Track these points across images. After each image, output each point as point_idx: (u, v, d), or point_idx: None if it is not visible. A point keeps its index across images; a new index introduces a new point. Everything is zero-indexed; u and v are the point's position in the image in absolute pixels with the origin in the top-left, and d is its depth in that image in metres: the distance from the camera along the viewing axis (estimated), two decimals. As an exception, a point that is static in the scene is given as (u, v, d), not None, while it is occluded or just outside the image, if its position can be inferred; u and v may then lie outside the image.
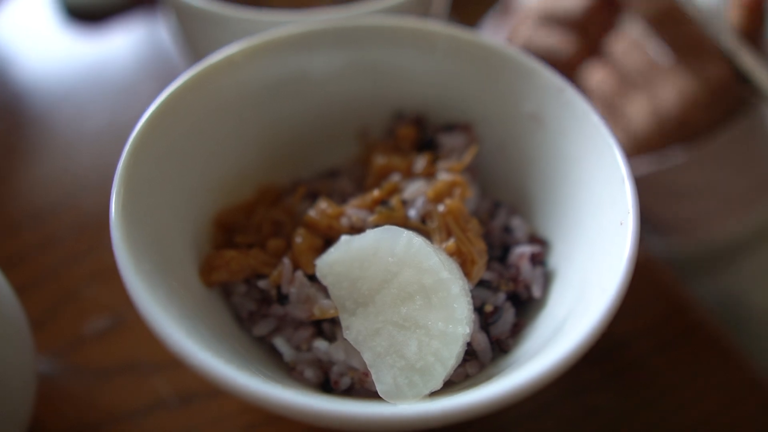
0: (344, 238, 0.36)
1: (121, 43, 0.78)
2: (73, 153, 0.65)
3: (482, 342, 0.37)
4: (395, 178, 0.42)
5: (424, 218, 0.39)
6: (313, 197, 0.44)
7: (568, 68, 0.61)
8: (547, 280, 0.40)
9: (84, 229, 0.57)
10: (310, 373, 0.37)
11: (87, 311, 0.51)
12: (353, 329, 0.35)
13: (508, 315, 0.38)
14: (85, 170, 0.64)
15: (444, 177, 0.41)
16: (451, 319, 0.34)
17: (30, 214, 0.59)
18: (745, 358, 0.50)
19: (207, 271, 0.39)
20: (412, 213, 0.39)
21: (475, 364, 0.37)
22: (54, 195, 0.61)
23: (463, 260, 0.37)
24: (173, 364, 0.48)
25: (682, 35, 0.56)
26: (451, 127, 0.46)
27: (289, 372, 0.38)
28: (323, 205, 0.40)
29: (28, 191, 0.61)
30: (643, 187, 0.45)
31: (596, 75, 0.61)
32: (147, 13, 0.81)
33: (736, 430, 0.46)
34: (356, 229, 0.39)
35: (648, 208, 0.56)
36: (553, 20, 0.62)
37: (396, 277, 0.35)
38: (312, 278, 0.38)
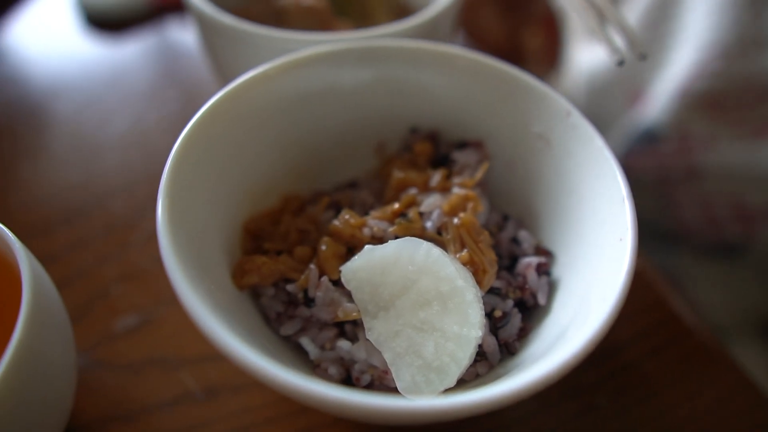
0: (368, 247, 0.40)
1: (143, 50, 0.82)
2: (99, 158, 0.68)
3: (491, 344, 0.41)
4: (412, 191, 0.45)
5: (439, 230, 0.43)
6: (335, 207, 0.47)
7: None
8: (551, 288, 0.44)
9: (113, 231, 0.60)
10: (333, 370, 0.41)
11: (116, 309, 0.55)
12: (375, 331, 0.39)
13: (516, 320, 0.42)
14: (110, 174, 0.67)
15: (458, 192, 0.44)
16: (466, 323, 0.37)
17: (61, 217, 0.62)
18: (733, 362, 0.54)
19: (239, 275, 0.43)
20: (429, 225, 0.43)
21: (484, 364, 0.41)
22: (83, 198, 0.64)
23: (476, 269, 0.40)
24: (198, 359, 0.51)
25: None
26: (464, 145, 0.49)
27: (313, 369, 0.42)
28: (347, 215, 0.44)
29: (58, 193, 0.64)
30: None
31: None
32: (168, 21, 0.85)
33: (722, 427, 0.50)
34: (377, 239, 0.42)
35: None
36: None
37: (415, 284, 0.38)
38: (336, 283, 0.42)
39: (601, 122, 0.76)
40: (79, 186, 0.65)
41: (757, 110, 0.61)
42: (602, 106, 0.76)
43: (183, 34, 0.83)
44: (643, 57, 0.54)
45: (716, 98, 0.62)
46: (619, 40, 0.55)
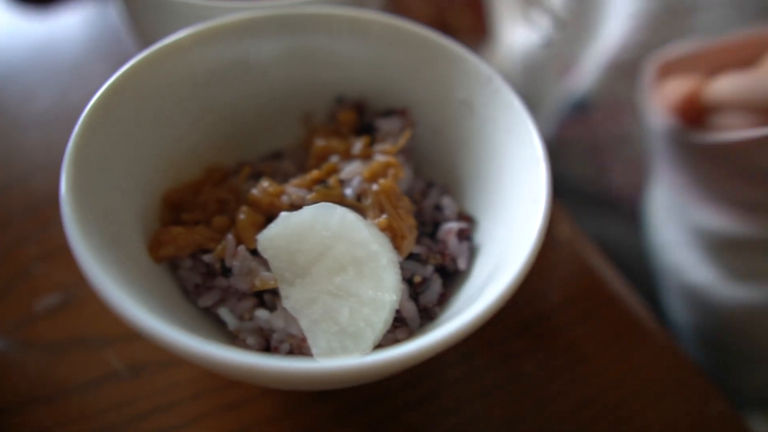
0: (283, 214, 0.39)
1: (70, 23, 0.78)
2: (21, 134, 0.66)
3: (411, 310, 0.41)
4: (334, 159, 0.45)
5: (359, 196, 0.42)
6: (257, 177, 0.46)
7: None
8: (472, 254, 0.44)
9: (34, 210, 0.58)
10: (252, 340, 0.40)
11: (38, 289, 0.53)
12: (291, 298, 0.38)
13: (436, 285, 0.42)
14: (34, 151, 0.64)
15: (379, 159, 0.44)
16: (380, 287, 0.37)
17: (-22, 195, 0.59)
18: (657, 327, 0.56)
19: (155, 247, 0.42)
20: (349, 192, 0.42)
21: (404, 330, 0.41)
22: (3, 176, 0.61)
23: (394, 235, 0.40)
24: (123, 337, 0.50)
25: None
26: (389, 113, 0.49)
27: (232, 340, 0.41)
28: (265, 183, 0.43)
29: (-24, 172, 0.62)
30: None
31: None
32: (97, -5, 0.81)
33: (646, 390, 0.51)
34: (296, 207, 0.42)
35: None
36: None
37: (330, 250, 0.38)
38: (254, 252, 0.41)
39: (536, 100, 0.77)
40: (0, 163, 0.62)
41: None
42: (537, 83, 0.77)
43: (111, 8, 0.80)
44: (563, 26, 0.54)
45: (635, 68, 0.63)
46: (543, 20, 0.56)
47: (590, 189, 0.75)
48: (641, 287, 0.60)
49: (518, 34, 0.80)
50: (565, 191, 0.74)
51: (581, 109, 0.71)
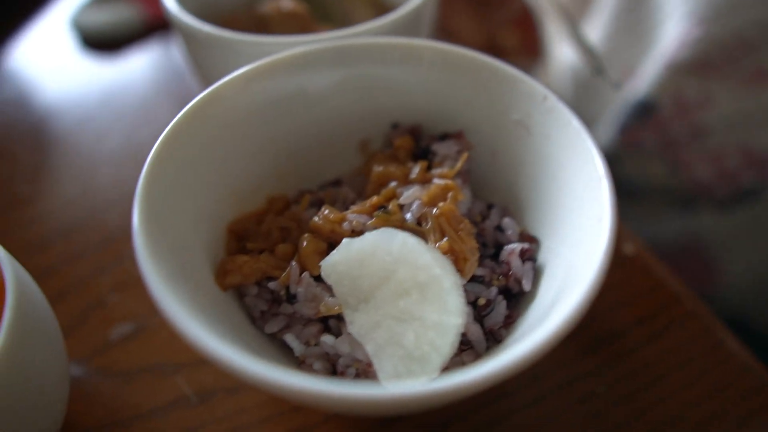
0: (345, 240, 0.40)
1: (137, 67, 0.83)
2: (94, 173, 0.70)
3: (476, 333, 0.40)
4: (393, 185, 0.45)
5: (419, 221, 0.43)
6: (317, 205, 0.47)
7: None
8: (536, 274, 0.43)
9: (108, 243, 0.61)
10: (318, 365, 0.41)
11: (112, 319, 0.55)
12: (356, 323, 0.39)
13: (500, 307, 0.41)
14: (106, 188, 0.68)
15: (438, 182, 0.44)
16: (444, 310, 0.37)
17: (58, 231, 0.63)
18: (734, 347, 0.53)
19: (222, 275, 0.43)
20: (409, 216, 0.43)
21: (470, 353, 0.40)
22: (79, 213, 0.65)
23: (456, 258, 0.40)
24: (193, 364, 0.51)
25: None
26: (444, 137, 0.49)
27: (299, 366, 0.42)
28: (326, 211, 0.44)
29: (56, 209, 0.66)
30: None
31: None
32: (161, 39, 0.86)
33: (723, 414, 0.48)
34: (357, 233, 0.42)
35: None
36: None
37: (393, 275, 0.38)
38: (318, 279, 0.42)
39: (591, 114, 0.77)
40: (75, 201, 0.66)
41: (743, 62, 0.65)
42: (589, 98, 0.77)
43: (175, 50, 0.84)
44: (598, 72, 0.58)
45: (702, 62, 0.65)
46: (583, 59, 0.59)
47: (667, 187, 0.74)
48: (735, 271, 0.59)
49: (567, 51, 0.80)
50: (636, 193, 0.74)
51: (644, 111, 0.71)
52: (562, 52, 0.82)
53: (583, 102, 0.78)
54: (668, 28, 0.68)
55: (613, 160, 0.38)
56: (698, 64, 0.65)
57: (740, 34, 0.64)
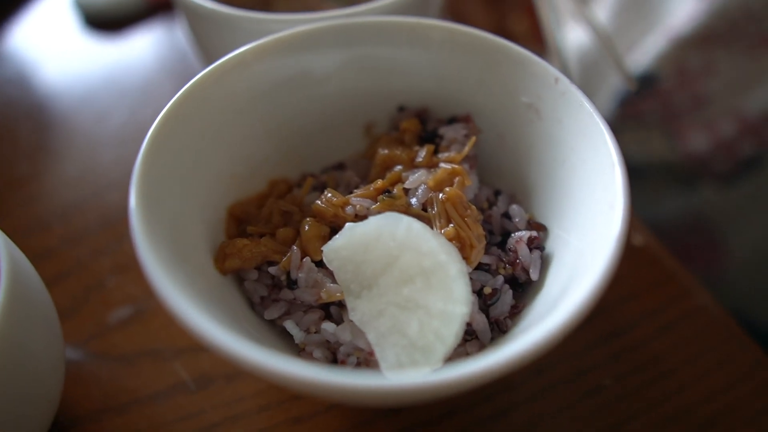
0: (348, 225, 0.39)
1: (139, 47, 0.82)
2: (95, 152, 0.68)
3: (481, 323, 0.39)
4: (398, 169, 0.44)
5: (425, 206, 0.41)
6: (320, 189, 0.46)
7: None
8: (544, 263, 0.42)
9: (108, 224, 0.60)
10: (318, 353, 0.40)
11: (110, 302, 0.54)
12: (358, 311, 0.38)
13: (507, 297, 0.40)
14: (107, 168, 0.67)
15: (444, 167, 0.43)
16: (450, 299, 0.35)
17: (57, 212, 0.62)
18: (745, 342, 0.51)
19: (221, 259, 0.42)
20: (414, 201, 0.41)
21: (475, 343, 0.39)
22: (79, 192, 0.64)
23: (462, 245, 0.39)
24: (191, 349, 0.50)
25: None
26: (452, 120, 0.48)
27: (298, 353, 0.41)
28: (329, 194, 0.42)
29: (55, 190, 0.65)
30: None
31: None
32: (164, 18, 0.84)
33: (732, 410, 0.47)
34: (361, 218, 0.41)
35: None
36: None
37: (397, 261, 0.37)
38: (320, 264, 0.40)
39: (593, 94, 0.76)
40: (75, 181, 0.65)
41: (747, 30, 0.65)
42: (593, 78, 0.76)
43: (178, 30, 0.83)
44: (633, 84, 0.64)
45: (705, 35, 0.66)
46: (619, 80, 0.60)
47: (666, 163, 0.74)
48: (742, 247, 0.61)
49: (574, 33, 0.79)
50: (636, 171, 0.74)
51: (647, 82, 0.71)
52: (569, 36, 0.80)
53: (585, 85, 0.77)
54: (674, 4, 0.69)
55: (612, 132, 0.38)
56: (702, 37, 0.66)
57: (747, 6, 0.64)
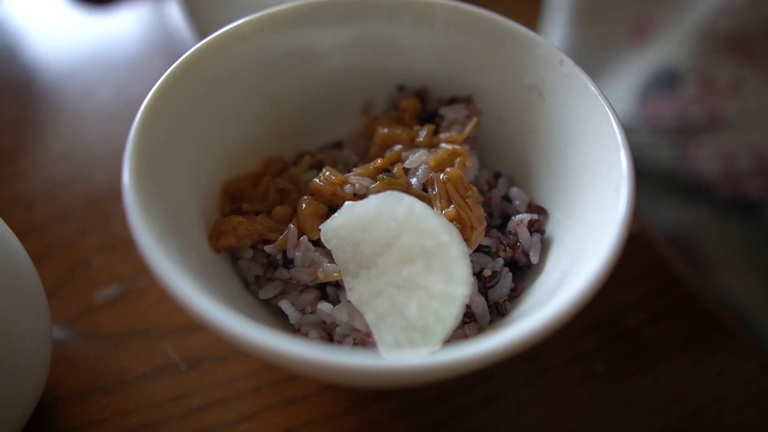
0: (348, 203, 0.38)
1: (128, 21, 0.79)
2: (82, 128, 0.66)
3: (480, 305, 0.38)
4: (398, 148, 0.43)
5: (425, 186, 0.41)
6: (318, 168, 0.45)
7: None
8: (545, 246, 0.41)
9: (95, 202, 0.59)
10: (314, 334, 0.39)
11: (98, 280, 0.53)
12: (356, 291, 0.37)
13: (506, 280, 0.40)
14: (94, 145, 0.65)
15: (445, 147, 0.42)
16: (451, 280, 0.35)
17: (43, 189, 0.60)
18: (738, 328, 0.52)
19: (215, 237, 0.41)
20: (414, 181, 0.41)
21: (473, 326, 0.39)
22: (65, 169, 0.62)
23: (463, 226, 0.38)
24: (181, 329, 0.49)
25: None
26: (452, 100, 0.47)
27: (293, 334, 0.40)
28: (327, 172, 0.41)
29: (41, 166, 0.63)
30: None
31: None
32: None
33: (726, 396, 0.47)
34: (359, 197, 0.40)
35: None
36: None
37: (397, 240, 0.36)
38: (317, 243, 0.40)
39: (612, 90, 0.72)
40: (61, 158, 0.63)
41: None
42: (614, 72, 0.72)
43: (167, 5, 0.81)
44: None
45: (741, 38, 0.58)
46: None
47: (671, 172, 0.69)
48: (726, 277, 0.56)
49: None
50: (638, 172, 0.71)
51: (669, 82, 0.65)
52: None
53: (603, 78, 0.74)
54: None
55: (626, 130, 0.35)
56: (735, 41, 0.58)
57: None
